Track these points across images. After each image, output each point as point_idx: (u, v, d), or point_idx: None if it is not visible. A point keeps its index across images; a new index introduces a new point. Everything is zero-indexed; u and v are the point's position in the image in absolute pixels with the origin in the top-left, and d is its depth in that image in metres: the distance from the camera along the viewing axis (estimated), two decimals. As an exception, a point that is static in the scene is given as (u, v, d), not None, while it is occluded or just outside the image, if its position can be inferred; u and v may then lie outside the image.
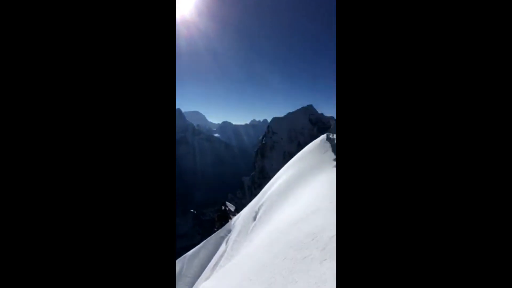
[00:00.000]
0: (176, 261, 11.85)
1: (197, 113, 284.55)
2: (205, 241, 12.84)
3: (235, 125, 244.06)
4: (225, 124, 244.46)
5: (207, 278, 7.27)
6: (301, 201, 7.06)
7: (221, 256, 10.15)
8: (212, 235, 13.23)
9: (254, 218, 10.78)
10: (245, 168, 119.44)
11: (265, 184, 15.27)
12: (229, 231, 12.55)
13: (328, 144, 13.68)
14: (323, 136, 16.00)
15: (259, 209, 11.13)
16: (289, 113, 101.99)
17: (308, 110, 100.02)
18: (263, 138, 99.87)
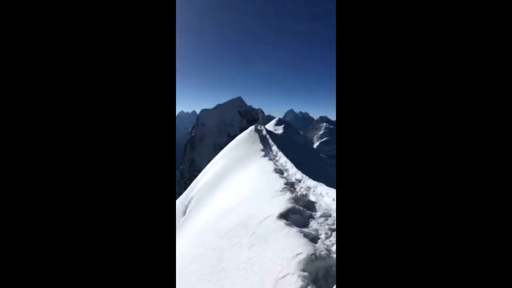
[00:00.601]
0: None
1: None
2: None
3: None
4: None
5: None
6: (231, 191, 7.20)
7: (149, 255, 9.60)
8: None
9: (184, 213, 10.51)
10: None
11: (196, 177, 15.00)
12: (157, 228, 11.94)
13: (256, 135, 14.19)
14: (252, 128, 16.52)
15: (189, 203, 10.90)
16: (218, 105, 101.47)
17: (237, 102, 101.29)
18: (192, 130, 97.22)
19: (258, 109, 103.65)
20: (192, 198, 10.98)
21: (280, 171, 6.44)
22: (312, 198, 4.09)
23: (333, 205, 3.61)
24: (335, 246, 2.52)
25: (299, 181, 5.37)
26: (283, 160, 8.45)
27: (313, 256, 2.25)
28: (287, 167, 7.17)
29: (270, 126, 21.36)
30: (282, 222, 3.13)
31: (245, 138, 14.68)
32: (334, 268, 2.20)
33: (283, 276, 2.14)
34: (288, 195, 4.11)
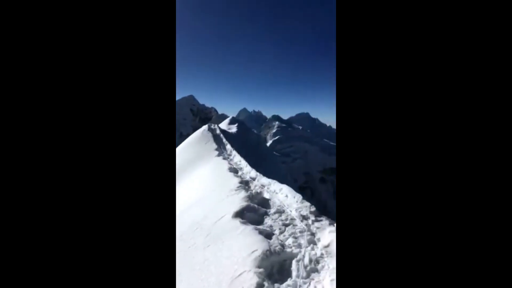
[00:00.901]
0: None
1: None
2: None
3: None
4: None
5: None
6: (185, 192, 7.01)
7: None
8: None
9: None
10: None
11: (145, 178, 14.21)
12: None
13: (210, 134, 13.98)
14: (205, 127, 16.23)
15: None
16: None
17: (189, 101, 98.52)
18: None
19: (211, 107, 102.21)
20: (142, 201, 10.41)
21: (234, 170, 6.46)
22: (266, 195, 4.19)
23: (286, 201, 3.76)
24: (288, 240, 2.63)
25: (254, 179, 5.46)
26: (237, 159, 8.49)
27: (268, 252, 2.32)
28: (241, 166, 7.23)
29: (223, 125, 21.24)
30: (237, 221, 3.15)
31: (199, 138, 14.36)
32: (288, 262, 2.30)
33: (240, 274, 2.17)
34: (243, 193, 4.16)
